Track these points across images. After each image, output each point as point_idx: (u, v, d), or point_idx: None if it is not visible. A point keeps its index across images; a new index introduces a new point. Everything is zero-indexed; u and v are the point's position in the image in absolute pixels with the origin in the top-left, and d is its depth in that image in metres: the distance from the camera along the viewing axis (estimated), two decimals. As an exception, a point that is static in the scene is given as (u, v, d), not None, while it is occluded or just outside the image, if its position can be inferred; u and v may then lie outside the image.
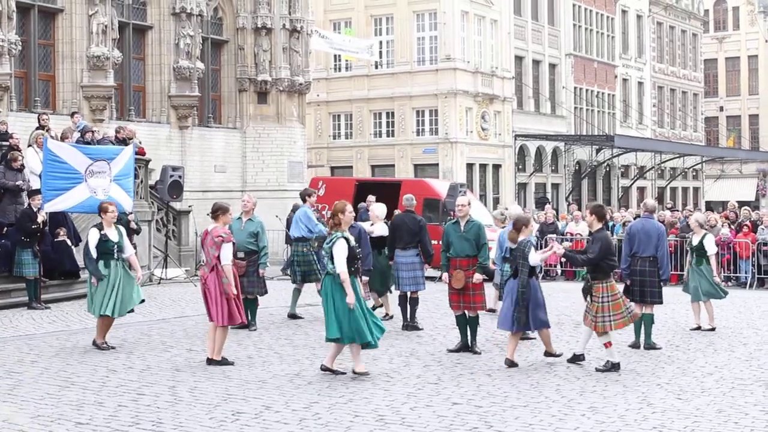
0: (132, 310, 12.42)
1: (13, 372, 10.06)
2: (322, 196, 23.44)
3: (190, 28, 27.14)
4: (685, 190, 57.12)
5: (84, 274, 14.61)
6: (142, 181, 21.38)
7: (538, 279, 10.90)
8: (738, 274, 22.37)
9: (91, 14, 24.58)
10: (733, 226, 23.32)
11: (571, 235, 24.27)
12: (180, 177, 22.80)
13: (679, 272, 20.84)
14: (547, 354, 11.11)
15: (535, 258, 10.64)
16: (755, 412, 8.50)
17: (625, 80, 52.28)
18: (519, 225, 10.88)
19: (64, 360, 10.85)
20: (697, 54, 60.15)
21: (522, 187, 43.66)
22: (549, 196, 44.67)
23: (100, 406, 8.48)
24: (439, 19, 39.28)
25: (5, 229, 16.26)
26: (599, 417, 8.27)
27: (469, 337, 11.63)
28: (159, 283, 20.21)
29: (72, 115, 21.91)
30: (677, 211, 31.86)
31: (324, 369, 10.04)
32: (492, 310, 14.13)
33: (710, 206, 48.49)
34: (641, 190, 51.98)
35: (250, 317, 13.01)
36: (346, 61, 40.18)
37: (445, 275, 11.70)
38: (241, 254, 12.69)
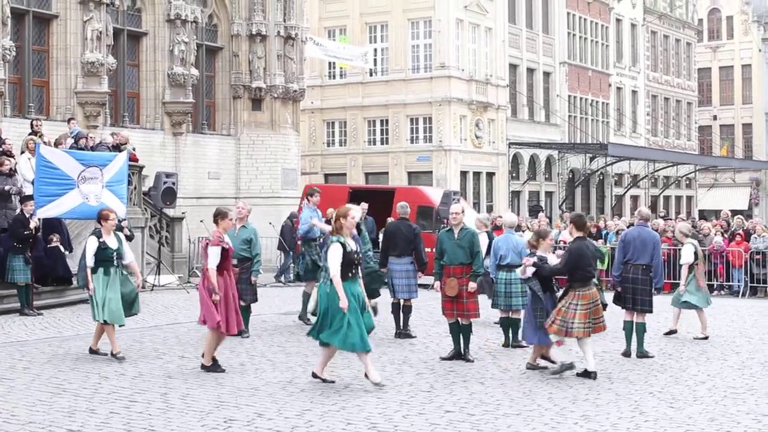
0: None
1: (5, 378, 10.02)
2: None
3: (185, 34, 27.13)
4: (678, 198, 57.23)
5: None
6: (135, 188, 21.36)
7: (554, 293, 10.98)
8: (731, 283, 22.43)
9: (85, 20, 24.55)
10: (726, 235, 23.38)
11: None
12: (174, 183, 22.81)
13: (672, 281, 20.85)
14: (544, 358, 11.15)
15: (519, 274, 11.17)
16: (747, 421, 8.51)
17: (619, 89, 52.38)
18: (545, 235, 11.21)
19: (56, 366, 10.82)
20: (691, 63, 60.31)
21: (515, 195, 43.68)
22: (542, 204, 44.68)
23: (91, 413, 8.46)
24: (434, 27, 39.31)
25: (-3, 234, 16.21)
26: (592, 425, 8.27)
27: (462, 345, 11.64)
28: (152, 289, 20.17)
29: (68, 121, 21.90)
30: (671, 219, 31.94)
31: (314, 376, 9.99)
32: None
33: (703, 215, 48.50)
34: (635, 199, 52.03)
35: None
36: (341, 68, 40.16)
37: (437, 284, 11.69)
38: (234, 261, 12.66)
